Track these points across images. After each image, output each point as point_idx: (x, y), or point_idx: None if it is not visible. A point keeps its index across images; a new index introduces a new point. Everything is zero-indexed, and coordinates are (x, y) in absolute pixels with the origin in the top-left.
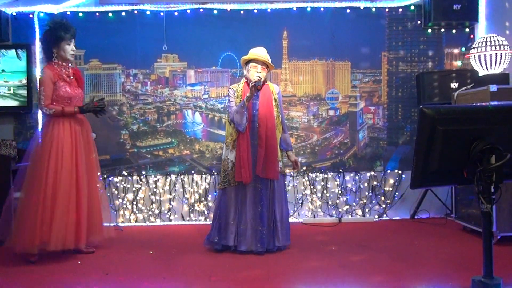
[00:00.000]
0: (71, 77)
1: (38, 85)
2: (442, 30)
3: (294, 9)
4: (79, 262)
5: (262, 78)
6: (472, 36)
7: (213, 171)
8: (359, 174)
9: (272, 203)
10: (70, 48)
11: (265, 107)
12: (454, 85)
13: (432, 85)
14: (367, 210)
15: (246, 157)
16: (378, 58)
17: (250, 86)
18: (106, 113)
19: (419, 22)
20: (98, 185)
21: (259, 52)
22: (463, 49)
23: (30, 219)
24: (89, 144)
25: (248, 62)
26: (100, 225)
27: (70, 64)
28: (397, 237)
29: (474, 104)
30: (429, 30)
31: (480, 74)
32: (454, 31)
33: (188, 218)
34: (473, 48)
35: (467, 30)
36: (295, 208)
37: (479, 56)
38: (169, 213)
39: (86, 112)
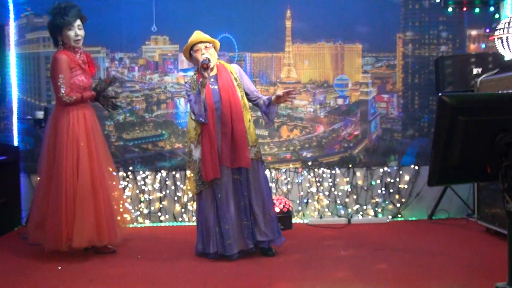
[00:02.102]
0: (86, 64)
1: (54, 72)
2: (464, 9)
3: None
4: (59, 268)
5: (212, 59)
6: (497, 16)
7: None
8: (370, 170)
9: (249, 194)
10: (73, 34)
11: (227, 90)
12: (477, 70)
13: (452, 71)
14: (379, 210)
15: (208, 150)
16: (393, 40)
17: (199, 70)
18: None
19: (438, 0)
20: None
21: (195, 36)
22: (487, 30)
23: (55, 217)
24: (101, 134)
25: (190, 51)
26: (118, 224)
27: (81, 49)
28: (413, 240)
29: (500, 91)
30: (450, 9)
31: (506, 58)
32: (477, 10)
33: (180, 219)
34: (498, 29)
35: (491, 9)
36: (300, 208)
37: (502, 38)
38: (159, 213)
39: (100, 93)
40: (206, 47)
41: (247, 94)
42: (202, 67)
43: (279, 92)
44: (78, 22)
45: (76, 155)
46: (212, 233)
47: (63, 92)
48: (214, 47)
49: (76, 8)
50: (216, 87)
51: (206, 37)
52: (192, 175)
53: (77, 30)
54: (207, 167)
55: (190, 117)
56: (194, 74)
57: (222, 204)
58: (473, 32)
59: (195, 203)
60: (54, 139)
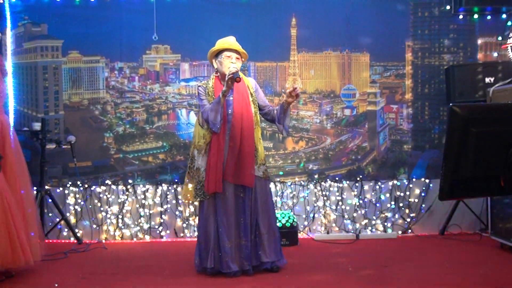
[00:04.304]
0: None
1: None
2: (475, 16)
3: None
4: (56, 285)
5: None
6: (509, 23)
7: None
8: (379, 183)
9: (255, 213)
10: None
11: (241, 104)
12: (489, 79)
13: (463, 80)
14: (389, 225)
15: (215, 162)
16: (401, 49)
17: (226, 78)
18: None
19: (448, 7)
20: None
21: (231, 41)
22: (500, 38)
23: None
24: (4, 148)
25: (218, 53)
26: (19, 250)
27: None
28: (424, 256)
29: None
30: (460, 17)
31: None
32: (489, 17)
33: (182, 234)
34: (511, 37)
35: (504, 16)
36: (306, 223)
37: None
38: (160, 229)
39: None
40: (237, 58)
41: (261, 109)
42: (235, 80)
43: (284, 97)
44: None
45: None
46: (210, 248)
47: None
48: (242, 58)
49: None
50: (230, 98)
51: (241, 48)
52: (191, 183)
53: None
54: (210, 180)
55: (197, 123)
56: (212, 79)
57: (223, 219)
58: (485, 40)
59: (198, 214)
60: None
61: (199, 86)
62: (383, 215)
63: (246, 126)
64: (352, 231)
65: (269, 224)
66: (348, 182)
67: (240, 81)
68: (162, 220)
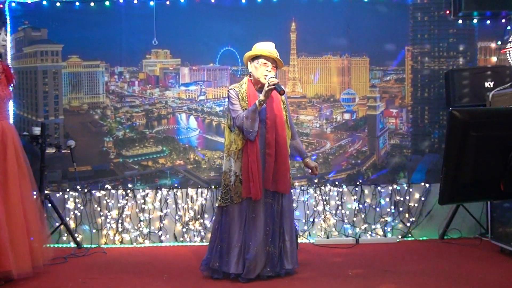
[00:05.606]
0: (0, 74)
1: None
2: (475, 20)
3: None
4: None
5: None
6: (509, 28)
7: (211, 184)
8: (379, 188)
9: (281, 220)
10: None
11: (274, 111)
12: (488, 84)
13: (463, 84)
14: (388, 229)
15: (256, 168)
16: (401, 54)
17: (267, 88)
18: None
19: (448, 11)
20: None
21: (270, 48)
22: (499, 42)
23: None
24: (17, 153)
25: (254, 58)
26: (25, 252)
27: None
28: (424, 261)
29: None
30: (460, 21)
31: None
32: (488, 22)
33: (181, 239)
34: (510, 41)
35: (503, 20)
36: (306, 227)
37: None
38: (159, 233)
39: None
40: (273, 67)
41: None
42: (279, 92)
43: (313, 165)
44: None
45: None
46: (233, 253)
47: None
48: (277, 67)
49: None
50: (264, 105)
51: (278, 56)
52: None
53: (3, 35)
54: (256, 187)
55: (228, 128)
56: (245, 82)
57: (251, 225)
58: (484, 45)
59: (216, 216)
60: None
61: (231, 89)
62: (383, 220)
63: (280, 133)
64: (352, 236)
65: (291, 231)
66: (347, 186)
67: (284, 93)
68: (161, 225)
